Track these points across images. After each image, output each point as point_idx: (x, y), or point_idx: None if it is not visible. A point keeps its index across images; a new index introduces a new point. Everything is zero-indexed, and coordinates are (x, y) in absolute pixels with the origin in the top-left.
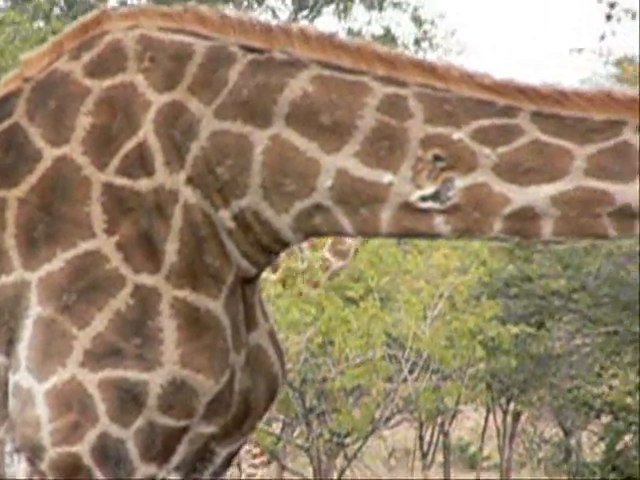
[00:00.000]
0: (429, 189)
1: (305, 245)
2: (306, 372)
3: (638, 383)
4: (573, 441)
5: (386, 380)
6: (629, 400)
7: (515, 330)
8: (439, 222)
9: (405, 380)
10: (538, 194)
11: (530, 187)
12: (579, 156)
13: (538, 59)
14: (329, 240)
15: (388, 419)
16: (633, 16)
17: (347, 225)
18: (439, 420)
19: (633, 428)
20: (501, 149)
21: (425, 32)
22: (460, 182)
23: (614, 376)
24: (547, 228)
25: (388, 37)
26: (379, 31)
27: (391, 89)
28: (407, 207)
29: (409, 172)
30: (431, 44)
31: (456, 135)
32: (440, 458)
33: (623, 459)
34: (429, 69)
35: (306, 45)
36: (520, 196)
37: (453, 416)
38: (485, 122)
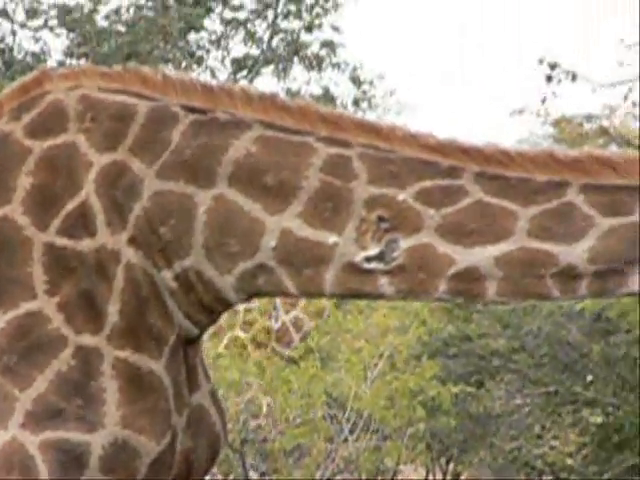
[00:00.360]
0: (373, 250)
1: (279, 304)
2: (246, 432)
3: (579, 444)
4: None
5: (327, 440)
6: (570, 461)
7: (455, 390)
8: (384, 283)
9: (346, 440)
10: (482, 255)
11: (474, 248)
12: (522, 217)
13: (476, 119)
14: (302, 300)
15: None
16: (573, 78)
17: (291, 286)
18: None
19: None
20: (445, 210)
21: (364, 92)
22: (404, 243)
23: (555, 437)
24: (491, 289)
25: (327, 97)
26: (318, 91)
27: (335, 150)
28: (351, 268)
29: (353, 233)
30: (370, 104)
31: (400, 196)
32: None
33: None
34: (373, 129)
35: (249, 106)
36: (464, 257)
37: (393, 476)
38: (429, 183)
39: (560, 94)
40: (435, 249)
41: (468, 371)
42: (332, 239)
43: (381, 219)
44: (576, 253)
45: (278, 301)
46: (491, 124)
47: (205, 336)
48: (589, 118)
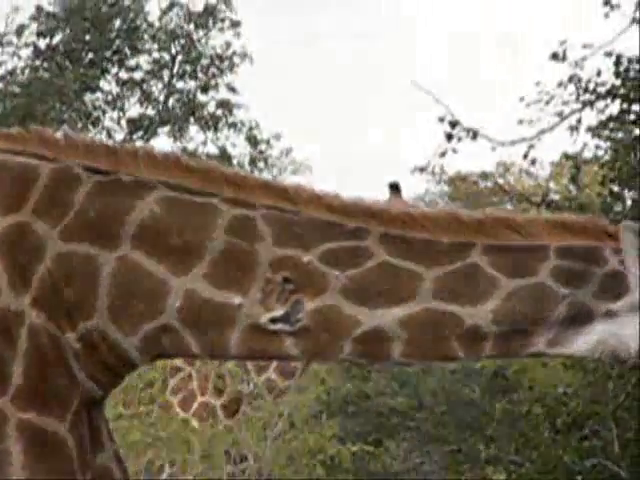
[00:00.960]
0: (278, 311)
1: (251, 367)
2: None
3: None
4: None
5: None
6: None
7: (354, 448)
8: (289, 344)
9: None
10: (387, 317)
11: (379, 310)
12: (427, 279)
13: (371, 178)
14: (274, 362)
15: None
16: (474, 136)
17: (195, 347)
18: None
19: None
20: (350, 272)
21: (261, 152)
22: (309, 304)
23: None
24: (396, 350)
25: (224, 157)
26: (215, 151)
27: (239, 211)
28: (256, 329)
29: (259, 294)
30: (266, 163)
31: (305, 257)
32: None
33: None
34: (277, 190)
35: (152, 166)
36: (369, 319)
37: None
38: (334, 244)
39: (460, 152)
40: (340, 310)
41: (367, 430)
42: (237, 300)
43: (286, 280)
44: (481, 314)
45: (249, 364)
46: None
47: (174, 400)
48: (484, 176)
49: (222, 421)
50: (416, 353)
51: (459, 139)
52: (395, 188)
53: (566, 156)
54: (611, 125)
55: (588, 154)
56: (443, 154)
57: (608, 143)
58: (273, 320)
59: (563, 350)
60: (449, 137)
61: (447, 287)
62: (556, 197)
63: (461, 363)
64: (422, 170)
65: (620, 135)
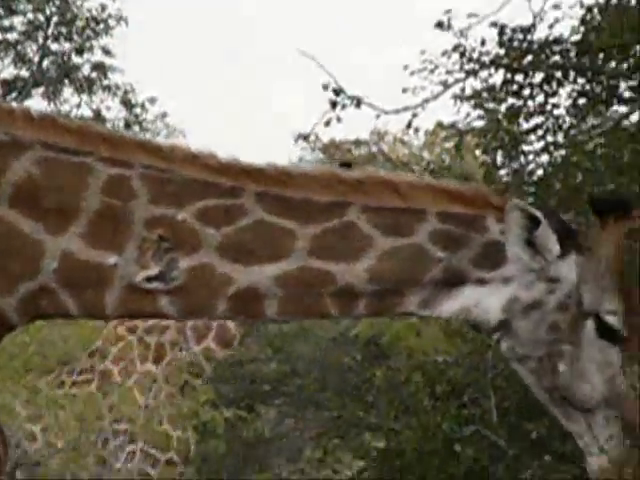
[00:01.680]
0: (154, 270)
1: (190, 336)
2: (19, 456)
3: (362, 467)
4: None
5: (99, 463)
6: None
7: (227, 414)
8: (165, 303)
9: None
10: (262, 274)
11: (254, 267)
12: (302, 236)
13: (247, 143)
14: (213, 331)
15: None
16: (358, 104)
17: (73, 307)
18: None
19: None
20: (225, 229)
21: (136, 115)
22: (184, 262)
23: (338, 461)
24: (271, 308)
25: (98, 120)
26: (89, 114)
27: (115, 170)
28: (132, 288)
29: (134, 253)
30: (141, 127)
31: (180, 215)
32: None
33: None
34: (153, 149)
35: (29, 126)
36: (244, 276)
37: None
38: (210, 202)
39: (344, 120)
40: (214, 269)
41: (240, 395)
42: (113, 260)
43: (162, 239)
44: (355, 273)
45: (189, 332)
46: (262, 152)
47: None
48: (358, 143)
49: (163, 389)
50: (291, 310)
51: (343, 106)
52: (347, 166)
53: (440, 125)
54: (493, 95)
55: (472, 124)
56: (327, 123)
57: (490, 113)
58: (148, 279)
59: (432, 312)
60: (333, 105)
61: (322, 245)
62: (434, 166)
63: (337, 331)
64: (306, 138)
65: (503, 105)
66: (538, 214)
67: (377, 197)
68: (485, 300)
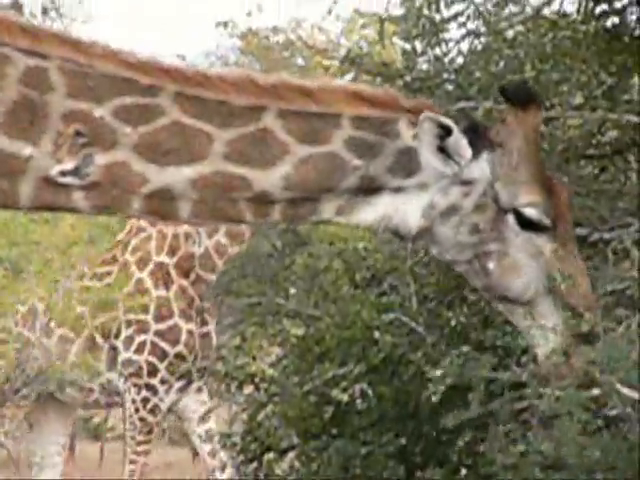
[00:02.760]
0: (69, 164)
1: (202, 230)
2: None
3: (279, 356)
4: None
5: (18, 351)
6: (271, 371)
7: None
8: (78, 197)
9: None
10: (176, 176)
11: (169, 168)
12: (219, 140)
13: (166, 29)
14: (223, 227)
15: (17, 390)
16: None
17: None
18: None
19: (274, 399)
20: (142, 128)
21: (53, 1)
22: (100, 159)
23: (258, 348)
24: (185, 209)
25: (15, 7)
26: (5, 0)
27: (33, 61)
28: (47, 181)
29: (50, 146)
30: (58, 13)
31: (97, 112)
32: None
33: (264, 430)
34: (73, 43)
35: None
36: (159, 177)
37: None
38: (127, 100)
39: (265, 8)
40: (130, 167)
41: None
42: (28, 151)
43: (78, 134)
44: (270, 179)
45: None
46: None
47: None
48: (275, 30)
49: (175, 281)
50: (204, 213)
51: None
52: None
53: (358, 13)
54: None
55: (391, 11)
56: (249, 14)
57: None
58: (63, 173)
59: (349, 219)
60: None
61: (238, 150)
62: (353, 54)
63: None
64: (225, 25)
65: None
66: (449, 122)
67: (292, 101)
68: (403, 208)
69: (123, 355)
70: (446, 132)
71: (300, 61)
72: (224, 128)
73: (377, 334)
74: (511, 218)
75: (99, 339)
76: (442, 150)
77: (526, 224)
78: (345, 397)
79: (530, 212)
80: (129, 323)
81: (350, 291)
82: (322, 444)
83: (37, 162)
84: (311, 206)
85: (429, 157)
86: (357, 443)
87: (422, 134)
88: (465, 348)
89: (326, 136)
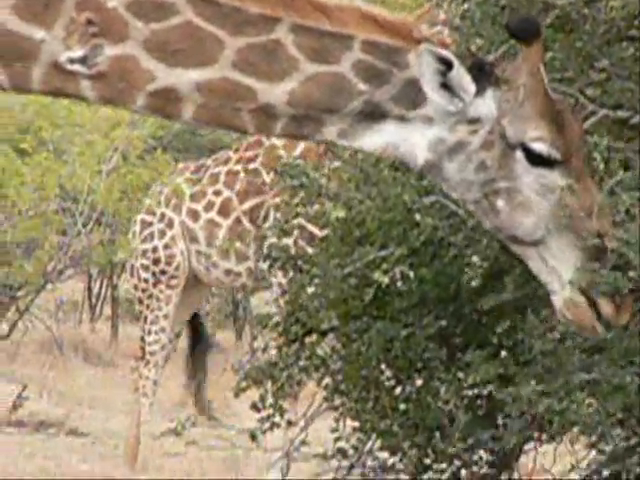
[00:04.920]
0: (78, 52)
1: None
2: None
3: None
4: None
5: (59, 233)
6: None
7: None
8: (86, 86)
9: (79, 234)
10: (184, 77)
11: (177, 69)
12: (229, 46)
13: None
14: None
15: (60, 272)
16: None
17: (3, 79)
18: (108, 274)
19: (316, 281)
20: (154, 25)
21: None
22: (109, 50)
23: (300, 227)
24: (188, 112)
25: None
26: None
27: None
28: (56, 66)
29: (61, 32)
30: None
31: (110, 3)
32: (108, 311)
33: (306, 312)
34: None
35: None
36: (165, 76)
37: (122, 269)
38: None
39: None
40: (138, 62)
41: None
42: (40, 35)
43: (90, 22)
44: (276, 93)
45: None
46: None
47: None
48: None
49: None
50: (207, 117)
51: None
52: None
53: None
54: None
55: None
56: None
57: None
58: (71, 60)
59: (352, 143)
60: None
61: (248, 59)
62: None
63: None
64: None
65: None
66: (450, 56)
67: (307, 16)
68: (410, 138)
69: (270, 240)
70: (447, 67)
71: None
72: (236, 35)
73: (418, 216)
74: (520, 155)
75: (246, 223)
76: (445, 86)
77: (536, 160)
78: (386, 279)
79: (539, 147)
80: (277, 207)
81: (391, 173)
82: (363, 326)
83: (49, 46)
84: (314, 126)
85: (433, 92)
86: (398, 325)
87: (422, 68)
88: None
89: (335, 56)
